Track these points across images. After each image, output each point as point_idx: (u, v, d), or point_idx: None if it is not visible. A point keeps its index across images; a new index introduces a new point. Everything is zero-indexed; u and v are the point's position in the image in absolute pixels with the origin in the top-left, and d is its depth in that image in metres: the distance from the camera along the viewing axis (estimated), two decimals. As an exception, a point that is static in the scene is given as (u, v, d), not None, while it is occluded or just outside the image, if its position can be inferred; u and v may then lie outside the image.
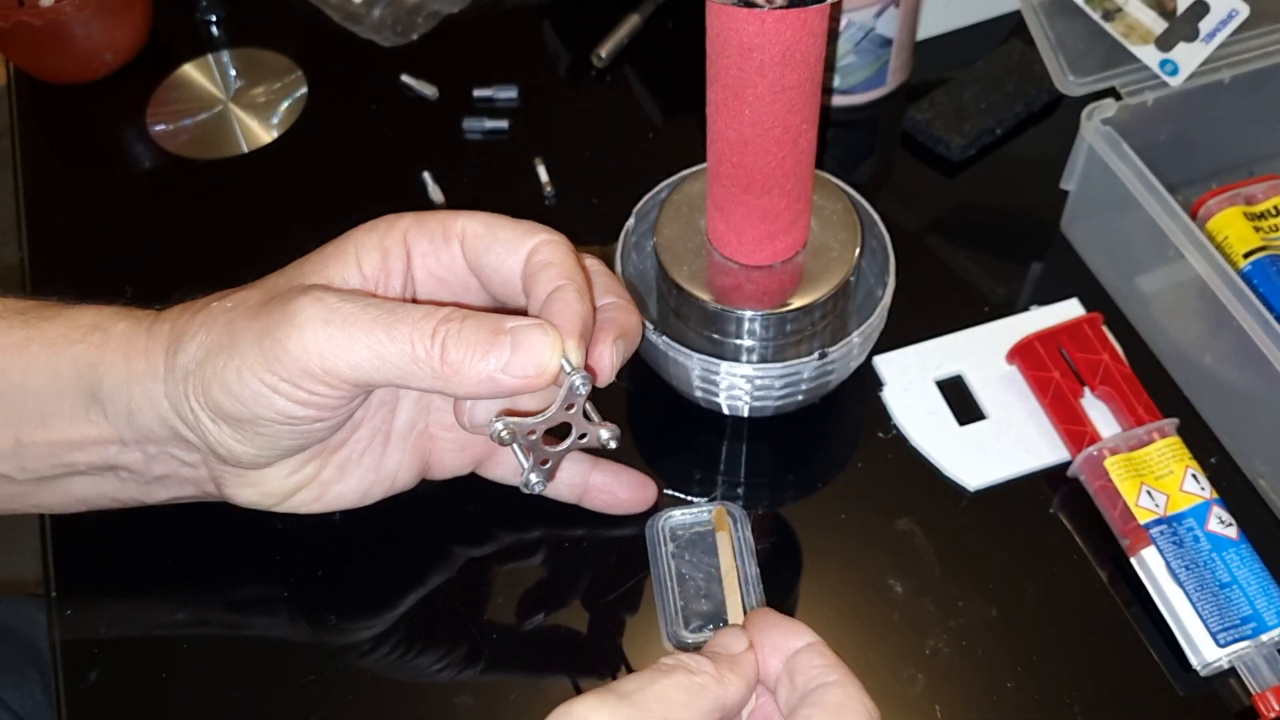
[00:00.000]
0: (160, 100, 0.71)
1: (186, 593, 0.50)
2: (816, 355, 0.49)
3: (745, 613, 0.44)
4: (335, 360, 0.38)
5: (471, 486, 0.52)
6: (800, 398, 0.51)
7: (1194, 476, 0.49)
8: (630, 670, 0.47)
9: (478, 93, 0.69)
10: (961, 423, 0.54)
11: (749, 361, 0.50)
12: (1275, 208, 0.56)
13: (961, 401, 0.55)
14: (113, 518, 0.52)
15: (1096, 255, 0.59)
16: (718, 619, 0.46)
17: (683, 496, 0.52)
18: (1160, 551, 0.47)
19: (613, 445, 0.43)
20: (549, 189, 0.64)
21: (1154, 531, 0.48)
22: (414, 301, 0.43)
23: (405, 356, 0.38)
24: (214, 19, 0.75)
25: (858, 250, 0.50)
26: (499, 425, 0.40)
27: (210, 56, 0.73)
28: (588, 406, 0.42)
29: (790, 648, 0.36)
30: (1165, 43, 0.54)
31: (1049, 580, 0.49)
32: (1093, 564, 0.50)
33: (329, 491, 0.45)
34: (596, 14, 0.72)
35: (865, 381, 0.55)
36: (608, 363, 0.41)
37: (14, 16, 0.67)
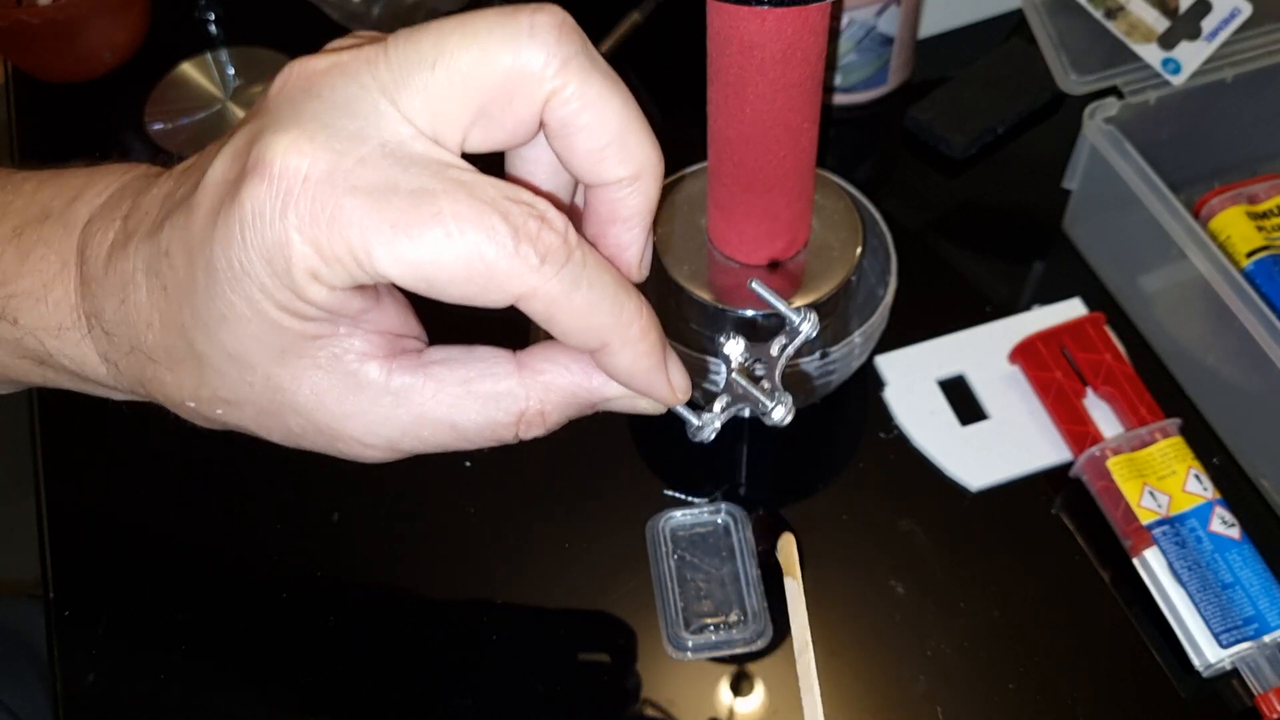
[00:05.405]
0: (159, 99, 0.71)
1: (185, 594, 0.50)
2: (818, 355, 0.48)
3: (815, 681, 0.43)
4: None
5: (473, 487, 0.52)
6: (802, 397, 0.51)
7: (1196, 477, 0.49)
8: (639, 679, 0.47)
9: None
10: (963, 423, 0.54)
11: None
12: (1278, 207, 0.56)
13: (963, 401, 0.54)
14: (112, 519, 0.52)
15: (1099, 255, 0.59)
16: (718, 620, 0.46)
17: (683, 497, 0.52)
18: (1163, 552, 0.47)
19: (786, 422, 0.35)
20: (549, 188, 0.64)
21: (1156, 532, 0.47)
22: None
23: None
24: (213, 17, 0.75)
25: (859, 249, 0.50)
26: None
27: (209, 55, 0.73)
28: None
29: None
30: (1167, 41, 0.54)
31: (1051, 581, 0.49)
32: (1095, 565, 0.49)
33: None
34: (596, 12, 0.72)
35: (867, 381, 0.55)
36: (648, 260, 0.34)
37: (12, 15, 0.66)
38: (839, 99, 0.67)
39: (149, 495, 0.54)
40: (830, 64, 0.64)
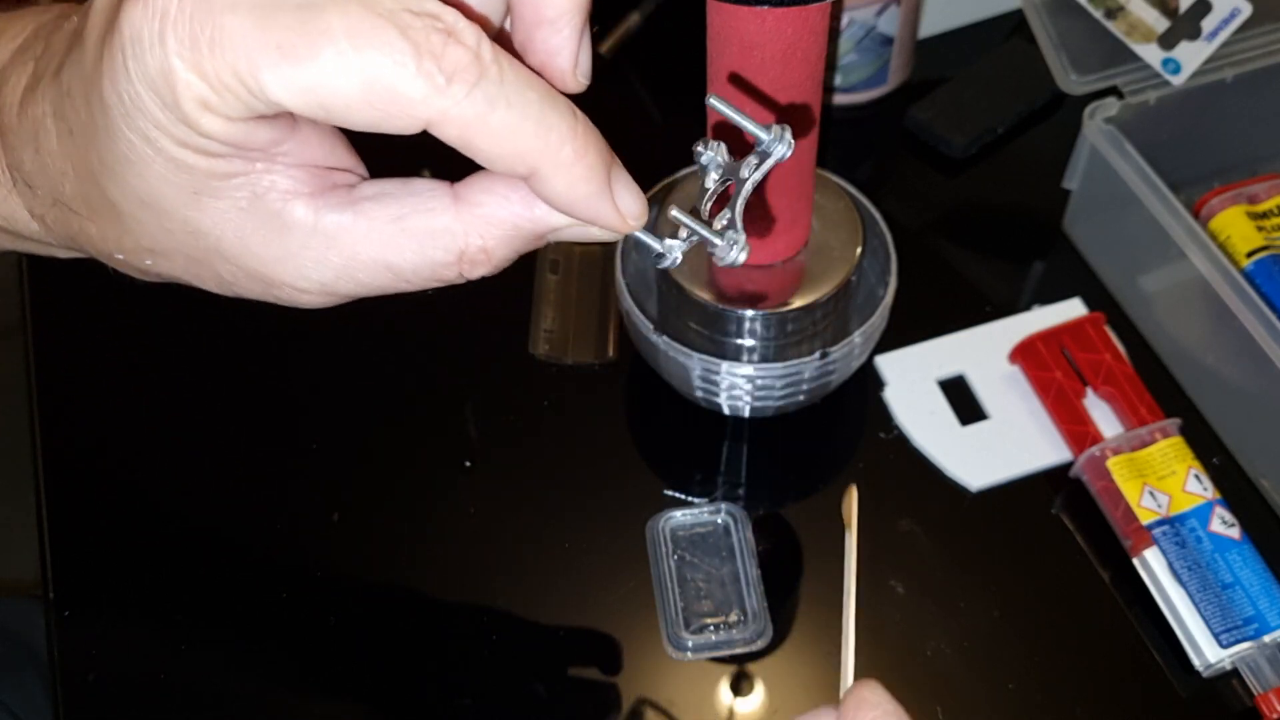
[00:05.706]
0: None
1: (184, 594, 0.50)
2: (818, 355, 0.48)
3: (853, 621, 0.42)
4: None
5: (473, 488, 0.52)
6: (801, 398, 0.51)
7: (1196, 477, 0.49)
8: (639, 679, 0.47)
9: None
10: (963, 423, 0.54)
11: (750, 361, 0.50)
12: (1278, 207, 0.56)
13: (963, 401, 0.54)
14: (112, 520, 0.52)
15: (1099, 255, 0.59)
16: (718, 620, 0.46)
17: (683, 497, 0.52)
18: (1163, 552, 0.47)
19: (739, 260, 0.31)
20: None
21: (1156, 532, 0.47)
22: None
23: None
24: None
25: (859, 249, 0.50)
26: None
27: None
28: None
29: None
30: (1167, 41, 0.54)
31: (1051, 581, 0.49)
32: (1095, 565, 0.49)
33: None
34: (597, 12, 0.72)
35: (867, 381, 0.55)
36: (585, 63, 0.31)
37: (12, 15, 0.66)
38: (839, 99, 0.67)
39: (149, 495, 0.54)
40: (830, 64, 0.64)
